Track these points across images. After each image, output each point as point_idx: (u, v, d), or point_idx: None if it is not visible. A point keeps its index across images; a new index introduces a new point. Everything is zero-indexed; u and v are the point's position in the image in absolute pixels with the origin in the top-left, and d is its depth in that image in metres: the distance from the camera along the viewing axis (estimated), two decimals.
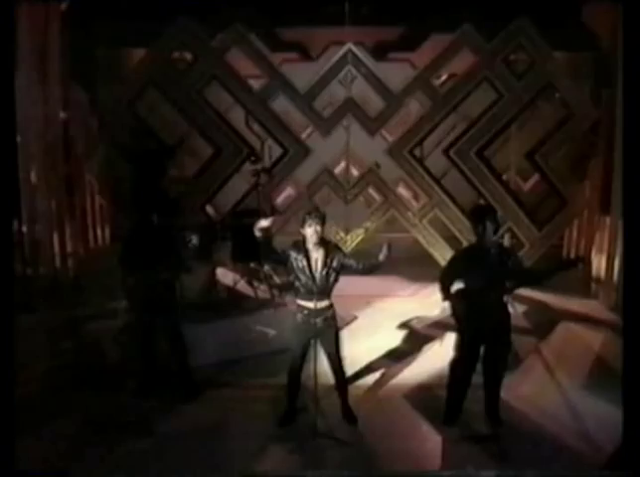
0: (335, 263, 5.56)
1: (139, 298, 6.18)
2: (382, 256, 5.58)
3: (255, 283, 7.95)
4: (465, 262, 5.73)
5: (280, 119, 9.06)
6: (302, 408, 5.94)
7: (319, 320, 5.59)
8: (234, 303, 7.64)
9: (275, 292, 7.78)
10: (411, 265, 9.77)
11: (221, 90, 9.21)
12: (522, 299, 8.51)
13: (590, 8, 8.99)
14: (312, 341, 5.68)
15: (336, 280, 5.64)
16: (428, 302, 8.56)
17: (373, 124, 9.09)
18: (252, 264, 8.21)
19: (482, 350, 5.77)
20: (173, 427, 5.78)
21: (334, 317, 5.70)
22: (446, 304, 5.93)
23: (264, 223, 5.49)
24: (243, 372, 6.78)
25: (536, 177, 10.07)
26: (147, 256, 6.09)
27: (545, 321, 8.18)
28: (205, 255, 7.59)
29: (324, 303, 5.61)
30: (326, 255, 5.55)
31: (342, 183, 9.48)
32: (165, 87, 8.83)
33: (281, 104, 9.37)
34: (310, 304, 5.57)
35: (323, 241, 5.59)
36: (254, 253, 7.84)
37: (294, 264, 5.56)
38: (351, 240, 9.63)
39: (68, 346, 7.38)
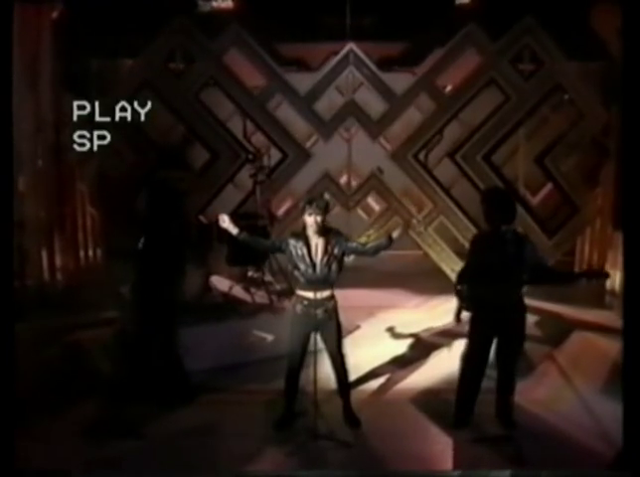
0: (336, 250, 5.40)
1: (140, 302, 6.07)
2: (395, 234, 5.44)
3: (252, 289, 7.78)
4: (479, 249, 5.55)
5: (279, 123, 8.98)
6: (301, 413, 5.73)
7: (319, 311, 5.41)
8: (229, 307, 7.47)
9: (274, 298, 7.62)
10: (416, 280, 9.72)
11: (217, 100, 9.18)
12: (533, 310, 8.32)
13: (599, 15, 8.95)
14: (312, 335, 5.50)
15: (339, 269, 5.48)
16: (434, 313, 8.47)
17: (375, 127, 8.99)
18: (251, 273, 8.04)
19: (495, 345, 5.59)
20: (164, 430, 5.62)
21: (335, 309, 5.52)
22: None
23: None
24: (239, 379, 6.59)
25: (544, 191, 9.91)
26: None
27: (558, 330, 8.01)
28: (199, 258, 7.45)
29: (325, 293, 5.44)
30: (327, 242, 5.39)
31: (343, 189, 9.33)
32: (160, 90, 8.76)
33: (282, 113, 9.34)
34: (310, 294, 5.39)
35: (324, 229, 5.43)
36: (251, 257, 7.81)
37: (293, 252, 5.40)
38: None
39: (53, 353, 7.22)
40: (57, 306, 8.70)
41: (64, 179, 9.53)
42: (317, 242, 5.39)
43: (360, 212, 10.15)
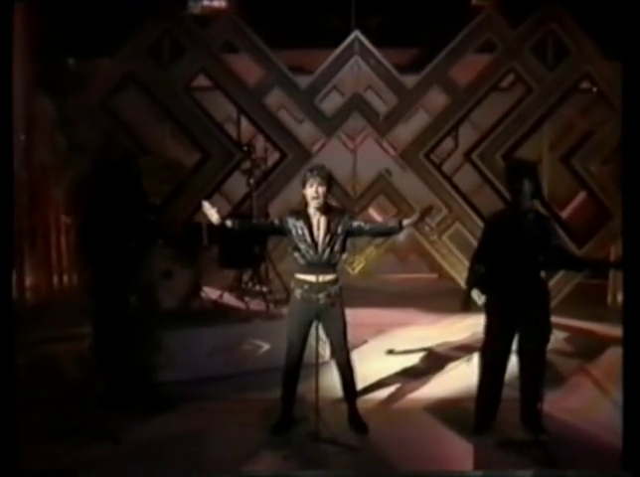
0: (340, 229, 5.38)
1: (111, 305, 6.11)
2: (406, 222, 5.36)
3: (247, 298, 7.75)
4: (496, 228, 5.51)
5: (278, 119, 9.04)
6: (302, 419, 5.67)
7: (322, 296, 5.36)
8: (220, 313, 7.43)
9: (271, 305, 7.59)
10: (430, 300, 9.74)
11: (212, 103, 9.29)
12: (563, 327, 8.31)
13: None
14: (314, 324, 5.47)
15: (342, 250, 5.47)
16: (451, 330, 8.46)
17: (382, 124, 9.03)
18: (245, 279, 8.04)
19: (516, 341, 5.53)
20: (156, 436, 5.65)
21: (339, 295, 5.48)
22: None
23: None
24: (232, 389, 6.56)
25: (571, 207, 9.90)
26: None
27: (590, 346, 7.98)
28: (188, 260, 7.43)
29: (328, 277, 5.40)
30: (329, 220, 5.38)
31: (348, 193, 9.35)
32: (146, 83, 8.83)
33: (284, 117, 9.48)
34: (311, 277, 5.35)
35: (326, 205, 5.42)
36: (245, 258, 7.80)
37: (293, 231, 5.39)
38: (358, 262, 9.46)
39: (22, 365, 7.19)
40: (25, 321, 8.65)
41: (36, 184, 9.56)
42: (319, 220, 5.37)
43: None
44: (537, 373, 5.50)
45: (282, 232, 5.49)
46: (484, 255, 5.52)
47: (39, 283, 9.75)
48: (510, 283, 5.36)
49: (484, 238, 5.62)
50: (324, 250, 5.35)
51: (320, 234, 5.36)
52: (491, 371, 5.55)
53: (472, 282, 5.55)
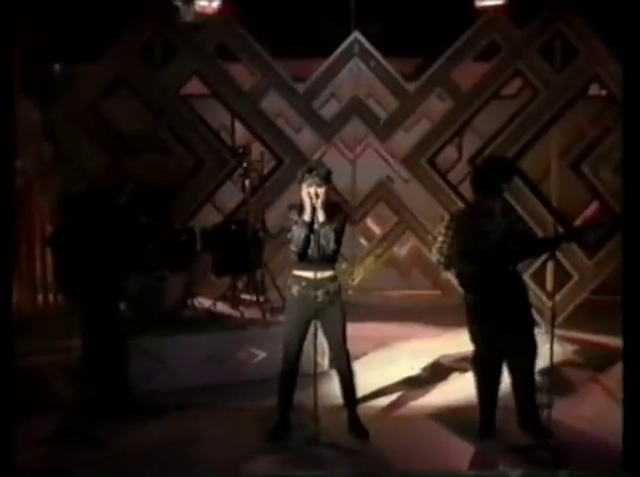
0: (338, 225, 5.49)
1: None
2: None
3: (242, 308, 7.83)
4: (465, 226, 5.60)
5: (274, 124, 9.15)
6: (299, 425, 5.77)
7: (320, 293, 5.47)
8: (215, 321, 7.52)
9: (268, 314, 7.67)
10: (433, 315, 9.81)
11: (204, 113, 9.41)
12: (572, 340, 8.45)
13: None
14: (312, 324, 5.57)
15: (338, 246, 5.57)
16: (454, 342, 8.48)
17: (383, 129, 9.14)
18: (240, 287, 8.14)
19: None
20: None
21: (339, 293, 5.60)
22: None
23: None
24: (224, 399, 6.64)
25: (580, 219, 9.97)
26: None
27: (601, 358, 8.02)
28: (181, 266, 7.52)
29: (327, 273, 5.53)
30: (328, 216, 5.48)
31: (348, 200, 9.44)
32: (137, 86, 8.93)
33: (281, 124, 9.58)
34: (309, 274, 5.48)
35: (325, 202, 5.51)
36: (241, 265, 7.89)
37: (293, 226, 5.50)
38: (357, 273, 9.53)
39: None
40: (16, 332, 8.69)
41: (20, 192, 9.59)
42: (318, 216, 5.46)
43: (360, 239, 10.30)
44: (526, 375, 5.62)
45: None
46: (455, 255, 5.61)
47: (23, 295, 9.77)
48: (483, 283, 5.47)
49: (453, 236, 5.64)
50: (322, 246, 5.45)
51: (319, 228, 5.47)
52: (483, 377, 5.70)
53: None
